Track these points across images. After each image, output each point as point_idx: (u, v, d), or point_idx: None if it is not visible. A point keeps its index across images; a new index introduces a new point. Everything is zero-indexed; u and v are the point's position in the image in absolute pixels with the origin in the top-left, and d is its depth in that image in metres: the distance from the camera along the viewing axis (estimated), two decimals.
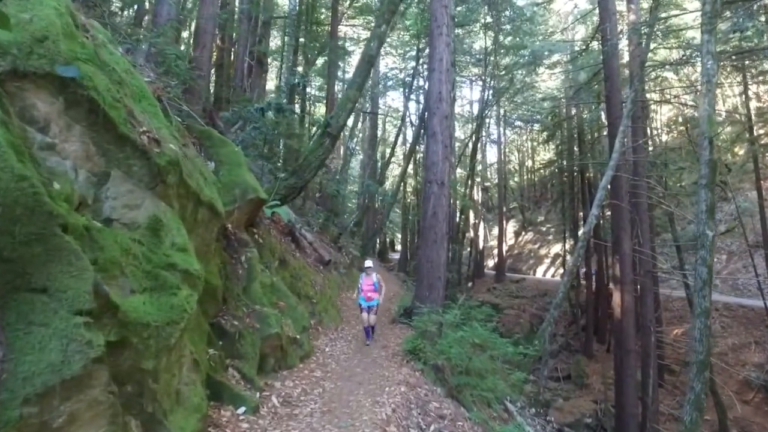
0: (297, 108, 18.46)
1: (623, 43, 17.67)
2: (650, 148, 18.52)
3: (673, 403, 16.52)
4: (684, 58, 17.02)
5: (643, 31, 14.59)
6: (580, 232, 24.19)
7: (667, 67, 19.99)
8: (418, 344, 6.74)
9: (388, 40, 24.57)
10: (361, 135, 29.30)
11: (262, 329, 4.92)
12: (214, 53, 14.99)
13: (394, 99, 33.41)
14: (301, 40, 18.69)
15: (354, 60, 22.20)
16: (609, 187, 14.00)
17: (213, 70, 12.70)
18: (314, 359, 6.23)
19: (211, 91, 14.22)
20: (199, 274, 3.11)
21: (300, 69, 19.61)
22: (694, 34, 17.73)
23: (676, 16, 14.10)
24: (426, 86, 18.97)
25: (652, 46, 14.92)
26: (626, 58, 18.07)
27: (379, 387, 5.37)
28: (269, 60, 19.64)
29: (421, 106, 21.53)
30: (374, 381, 5.64)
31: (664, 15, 13.72)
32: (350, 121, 21.55)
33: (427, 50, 15.49)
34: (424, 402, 5.24)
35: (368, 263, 8.18)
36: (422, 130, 18.70)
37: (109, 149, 2.71)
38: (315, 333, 7.23)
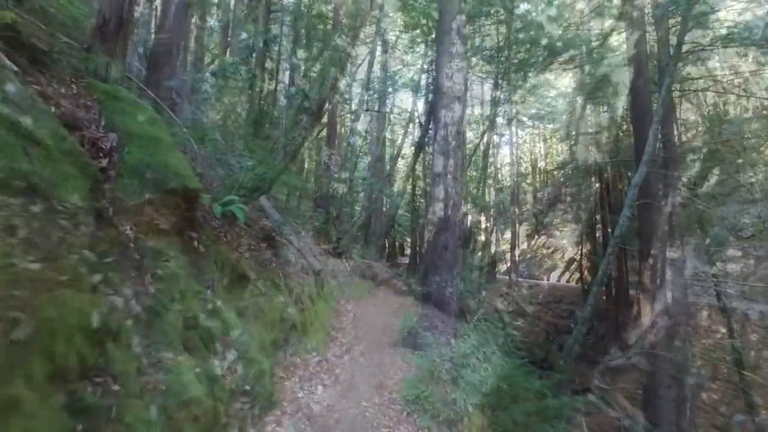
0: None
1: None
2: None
3: (706, 423, 14.63)
4: (718, 42, 14.84)
5: (677, 11, 12.47)
6: (598, 234, 22.00)
7: (690, 57, 17.90)
8: (423, 390, 4.70)
9: (392, 35, 22.69)
10: (369, 137, 27.46)
11: (170, 391, 2.94)
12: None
13: (402, 99, 31.46)
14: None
15: (357, 58, 20.25)
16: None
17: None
18: (274, 417, 4.21)
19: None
20: None
21: (302, 65, 17.81)
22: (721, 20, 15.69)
23: None
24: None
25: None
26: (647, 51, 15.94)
27: None
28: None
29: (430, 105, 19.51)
30: None
31: None
32: (350, 116, 19.65)
33: (434, 46, 13.57)
34: None
35: None
36: (429, 125, 16.68)
37: None
38: (287, 371, 5.21)
